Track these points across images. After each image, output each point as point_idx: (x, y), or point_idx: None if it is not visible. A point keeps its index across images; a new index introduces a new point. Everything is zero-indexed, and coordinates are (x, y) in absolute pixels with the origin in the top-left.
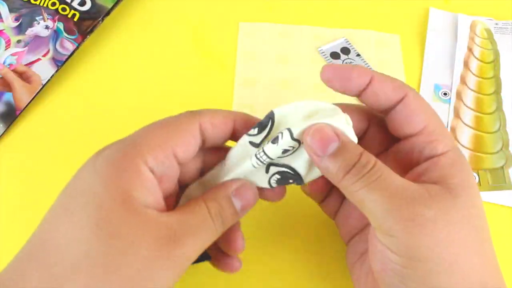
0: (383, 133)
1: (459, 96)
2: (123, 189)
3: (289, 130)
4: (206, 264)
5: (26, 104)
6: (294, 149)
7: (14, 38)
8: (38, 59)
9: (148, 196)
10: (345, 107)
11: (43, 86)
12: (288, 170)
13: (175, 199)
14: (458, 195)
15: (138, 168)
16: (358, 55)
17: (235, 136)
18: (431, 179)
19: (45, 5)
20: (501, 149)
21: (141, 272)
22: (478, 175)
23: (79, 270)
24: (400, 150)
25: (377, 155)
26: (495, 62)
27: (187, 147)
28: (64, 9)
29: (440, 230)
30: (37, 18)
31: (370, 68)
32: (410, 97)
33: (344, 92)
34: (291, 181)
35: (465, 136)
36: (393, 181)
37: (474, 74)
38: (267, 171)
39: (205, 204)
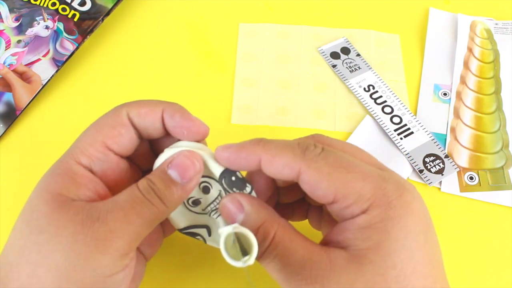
0: None
1: (459, 96)
2: (53, 191)
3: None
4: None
5: (26, 104)
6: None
7: (14, 38)
8: (38, 59)
9: (82, 190)
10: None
11: (43, 86)
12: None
13: None
14: (367, 262)
15: (70, 169)
16: (358, 55)
17: (165, 126)
18: (345, 241)
19: (45, 5)
20: (501, 149)
21: (68, 257)
22: (478, 175)
23: (13, 270)
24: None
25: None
26: (495, 62)
27: (118, 138)
28: (64, 9)
29: None
30: (37, 18)
31: (369, 67)
32: (305, 173)
33: (242, 170)
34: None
35: (465, 136)
36: (292, 255)
37: (474, 74)
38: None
39: (136, 183)
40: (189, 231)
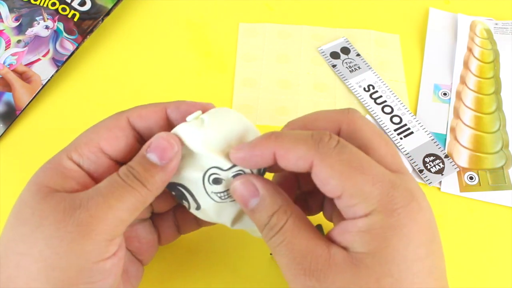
0: None
1: (459, 96)
2: (40, 183)
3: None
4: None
5: (26, 104)
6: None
7: (14, 38)
8: (38, 59)
9: (69, 183)
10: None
11: (43, 86)
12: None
13: None
14: (363, 266)
15: (60, 163)
16: (358, 55)
17: (171, 123)
18: (344, 241)
19: (45, 5)
20: (501, 149)
21: (52, 245)
22: (478, 175)
23: (1, 263)
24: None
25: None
26: (495, 62)
27: (113, 141)
28: (64, 9)
29: None
30: (37, 18)
31: (369, 67)
32: (317, 167)
33: (259, 167)
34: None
35: (465, 136)
36: (297, 244)
37: (474, 74)
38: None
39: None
40: (180, 188)
